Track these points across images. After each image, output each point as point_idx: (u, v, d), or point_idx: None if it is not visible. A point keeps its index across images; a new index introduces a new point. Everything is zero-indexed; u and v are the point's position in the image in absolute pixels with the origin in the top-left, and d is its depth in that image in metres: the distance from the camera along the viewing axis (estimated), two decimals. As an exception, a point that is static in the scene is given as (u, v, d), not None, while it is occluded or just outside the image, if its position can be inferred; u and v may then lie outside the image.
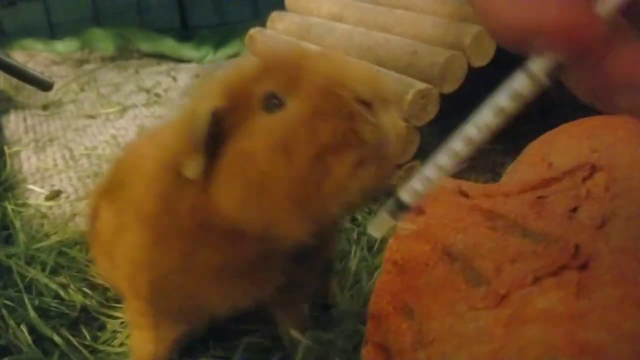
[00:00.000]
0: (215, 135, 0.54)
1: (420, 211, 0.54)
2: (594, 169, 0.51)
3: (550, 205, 0.50)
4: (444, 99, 1.00)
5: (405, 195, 0.41)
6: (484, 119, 0.34)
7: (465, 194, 0.57)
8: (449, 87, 0.99)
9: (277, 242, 0.56)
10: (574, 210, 0.47)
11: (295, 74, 0.53)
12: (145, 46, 2.24)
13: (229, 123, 0.54)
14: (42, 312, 0.81)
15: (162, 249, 0.62)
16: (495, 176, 1.14)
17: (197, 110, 0.55)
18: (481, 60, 1.01)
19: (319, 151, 0.50)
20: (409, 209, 0.41)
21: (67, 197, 1.21)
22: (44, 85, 0.76)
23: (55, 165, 1.38)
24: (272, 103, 0.53)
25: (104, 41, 2.18)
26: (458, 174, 1.13)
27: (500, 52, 0.98)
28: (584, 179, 0.50)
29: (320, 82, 0.52)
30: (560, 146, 0.62)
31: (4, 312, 0.79)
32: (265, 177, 0.51)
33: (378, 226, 0.43)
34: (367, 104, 0.51)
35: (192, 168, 0.54)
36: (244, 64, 0.59)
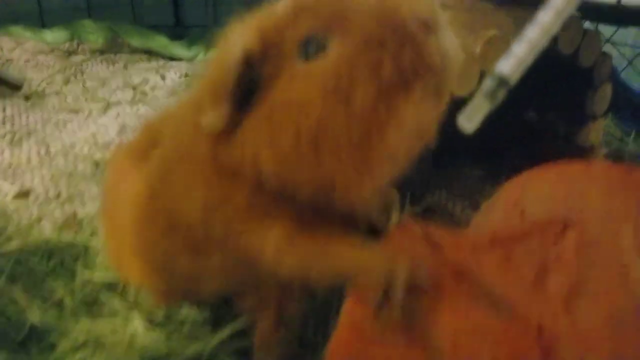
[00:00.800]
0: (247, 84, 0.48)
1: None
2: (565, 226, 0.49)
3: (518, 267, 0.48)
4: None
5: (505, 67, 0.39)
6: None
7: (434, 244, 0.55)
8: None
9: (325, 204, 0.50)
10: (543, 274, 0.45)
11: (336, 10, 0.47)
12: (136, 41, 2.20)
13: (262, 72, 0.49)
14: (-9, 326, 0.77)
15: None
16: (474, 203, 1.12)
17: (227, 52, 0.49)
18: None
19: (379, 88, 0.44)
20: (509, 84, 0.39)
21: (36, 198, 1.17)
22: (15, 86, 0.72)
23: (29, 161, 1.34)
24: (312, 47, 0.47)
25: (94, 33, 2.14)
26: (434, 203, 1.11)
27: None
28: (555, 237, 0.48)
29: (367, 9, 0.46)
30: (535, 192, 0.61)
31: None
32: (320, 126, 0.45)
33: (472, 114, 0.40)
34: (426, 26, 0.45)
35: (215, 118, 0.49)
36: (275, 7, 0.52)
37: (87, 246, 0.99)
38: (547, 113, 1.29)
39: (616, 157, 1.43)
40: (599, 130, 1.19)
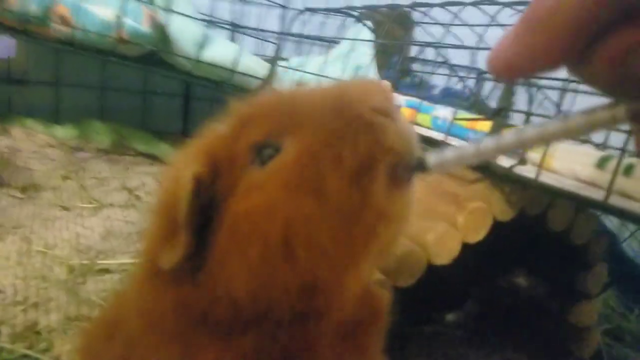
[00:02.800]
0: (199, 210, 0.46)
1: None
2: None
3: None
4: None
5: (431, 159, 0.43)
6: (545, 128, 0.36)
7: None
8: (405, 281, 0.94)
9: (313, 315, 0.48)
10: None
11: (286, 112, 0.47)
12: (141, 146, 2.29)
13: (216, 191, 0.47)
14: None
15: None
16: None
17: (174, 181, 0.48)
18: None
19: (348, 177, 0.44)
20: (425, 172, 0.44)
21: (3, 299, 1.16)
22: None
23: (7, 258, 1.35)
24: (265, 154, 0.46)
25: (102, 134, 2.23)
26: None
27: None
28: None
29: (322, 106, 0.46)
30: None
31: None
32: (290, 226, 0.43)
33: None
34: (384, 113, 0.46)
35: (172, 252, 0.46)
36: (217, 125, 0.52)
37: (38, 360, 0.97)
38: (537, 285, 1.28)
39: (616, 336, 1.35)
40: (594, 310, 1.14)
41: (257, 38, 2.36)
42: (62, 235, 1.52)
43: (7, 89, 2.20)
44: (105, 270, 1.34)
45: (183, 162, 0.49)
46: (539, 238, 1.18)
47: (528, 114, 0.94)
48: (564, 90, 0.89)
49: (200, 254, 0.47)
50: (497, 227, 0.90)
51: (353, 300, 0.52)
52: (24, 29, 1.64)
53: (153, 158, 2.31)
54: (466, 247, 0.89)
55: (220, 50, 1.82)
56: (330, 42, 2.22)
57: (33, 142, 2.15)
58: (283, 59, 1.80)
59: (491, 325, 1.27)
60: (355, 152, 0.44)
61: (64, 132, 2.19)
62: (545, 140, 0.36)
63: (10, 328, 1.06)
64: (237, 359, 0.48)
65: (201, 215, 0.47)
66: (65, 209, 1.72)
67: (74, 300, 1.18)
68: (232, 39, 2.39)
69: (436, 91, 1.89)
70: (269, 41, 2.28)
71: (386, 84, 0.50)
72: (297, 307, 0.47)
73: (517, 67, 0.33)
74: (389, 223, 0.47)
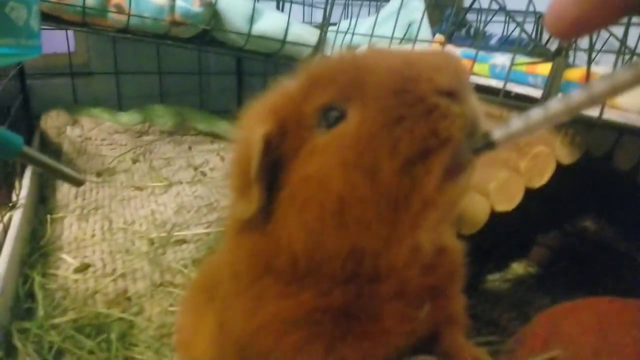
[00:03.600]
0: (270, 166, 0.49)
1: None
2: None
3: None
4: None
5: (497, 134, 0.42)
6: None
7: None
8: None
9: (365, 277, 0.50)
10: None
11: (353, 78, 0.46)
12: (201, 125, 2.37)
13: (284, 150, 0.49)
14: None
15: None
16: (521, 315, 1.08)
17: (245, 140, 0.50)
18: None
19: (401, 163, 0.43)
20: (492, 148, 0.42)
21: (95, 272, 1.26)
22: (76, 182, 0.81)
23: (93, 235, 1.45)
24: (331, 117, 0.46)
25: (164, 117, 2.32)
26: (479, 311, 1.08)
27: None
28: None
29: (386, 79, 0.44)
30: (566, 333, 0.60)
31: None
32: (343, 200, 0.45)
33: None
34: (449, 94, 0.44)
35: (247, 205, 0.49)
36: (288, 83, 0.52)
37: (133, 323, 1.06)
38: (605, 227, 1.24)
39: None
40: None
41: (305, 5, 2.37)
42: (139, 213, 1.62)
43: (71, 82, 2.32)
44: (182, 241, 1.42)
45: (254, 120, 0.51)
46: (605, 179, 1.15)
47: (590, 52, 0.90)
48: (628, 25, 0.86)
49: (270, 207, 0.50)
50: (562, 171, 0.89)
51: (417, 264, 0.52)
52: (83, 21, 1.72)
53: (213, 136, 2.39)
54: (530, 193, 0.88)
55: (270, 22, 1.85)
56: (379, 0, 2.20)
57: (101, 130, 2.27)
58: (332, 24, 1.80)
59: (559, 271, 1.26)
60: (412, 139, 0.43)
61: (129, 118, 2.29)
62: (617, 91, 0.34)
63: (104, 296, 1.15)
64: (295, 310, 0.51)
65: (271, 172, 0.49)
66: (139, 189, 1.82)
67: (157, 269, 1.26)
68: (280, 9, 2.41)
69: (493, 41, 1.83)
70: (317, 6, 2.29)
71: (458, 58, 0.47)
72: (347, 268, 0.49)
73: (583, 25, 0.32)
74: (437, 211, 0.47)
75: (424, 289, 0.54)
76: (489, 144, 0.43)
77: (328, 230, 0.46)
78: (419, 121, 0.43)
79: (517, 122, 0.41)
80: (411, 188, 0.44)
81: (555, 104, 0.38)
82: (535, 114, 0.39)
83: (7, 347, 0.94)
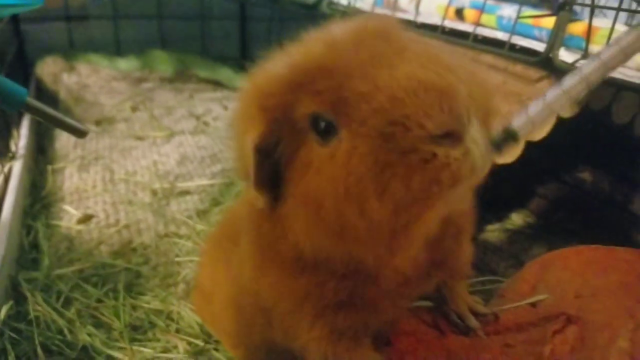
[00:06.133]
0: (270, 168, 0.49)
1: (388, 343, 0.52)
2: (568, 321, 0.49)
3: (512, 359, 0.49)
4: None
5: (515, 123, 0.42)
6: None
7: (439, 328, 0.56)
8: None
9: (362, 276, 0.51)
10: None
11: (339, 93, 0.43)
12: (203, 72, 2.31)
13: (282, 151, 0.49)
14: (45, 347, 0.83)
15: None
16: (518, 263, 1.10)
17: (241, 146, 0.50)
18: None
19: (392, 207, 0.43)
20: (517, 138, 0.41)
21: (98, 223, 1.25)
22: (79, 133, 0.78)
23: (94, 186, 1.43)
24: (323, 128, 0.45)
25: (164, 63, 2.27)
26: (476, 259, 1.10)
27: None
28: (555, 332, 0.48)
29: (372, 113, 0.42)
30: (553, 278, 0.62)
31: (8, 346, 0.81)
32: (337, 222, 0.45)
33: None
34: (447, 135, 0.41)
35: (257, 199, 0.50)
36: (272, 70, 0.49)
37: (139, 273, 1.05)
38: (601, 178, 1.26)
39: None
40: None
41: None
42: (141, 163, 1.60)
43: (67, 26, 2.25)
44: (186, 192, 1.40)
45: (246, 118, 0.50)
46: (603, 133, 1.15)
47: (593, 7, 0.89)
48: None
49: (277, 199, 0.50)
50: (561, 124, 0.88)
51: (416, 262, 0.53)
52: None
53: (216, 84, 2.34)
54: (530, 146, 0.88)
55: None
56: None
57: (99, 77, 2.22)
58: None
59: (556, 222, 1.27)
60: (407, 188, 0.42)
61: (127, 64, 2.24)
62: (628, 55, 0.35)
63: (109, 247, 1.14)
64: (294, 293, 0.54)
65: (273, 170, 0.49)
66: (140, 138, 1.79)
67: (161, 220, 1.25)
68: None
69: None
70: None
71: (457, 87, 0.42)
72: (347, 268, 0.50)
73: None
74: (443, 215, 0.47)
75: (429, 263, 0.55)
76: (511, 136, 0.42)
77: (328, 241, 0.47)
78: (414, 171, 0.41)
79: (535, 106, 0.40)
80: (405, 225, 0.44)
81: (570, 80, 0.38)
82: (552, 93, 0.39)
83: (16, 296, 0.94)
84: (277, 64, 0.49)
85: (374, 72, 0.43)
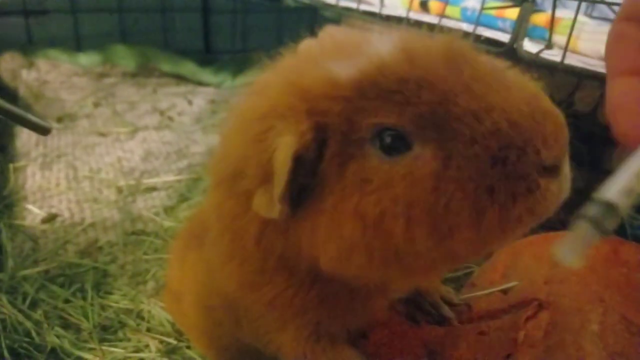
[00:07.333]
0: (299, 182, 0.42)
1: (364, 335, 0.54)
2: (540, 307, 0.51)
3: (488, 346, 0.51)
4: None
5: (612, 194, 0.33)
6: None
7: (414, 319, 0.58)
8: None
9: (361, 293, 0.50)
10: (513, 351, 0.47)
11: (433, 107, 0.39)
12: (166, 66, 2.28)
13: (321, 160, 0.42)
14: (12, 351, 0.82)
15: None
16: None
17: (275, 146, 0.42)
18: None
19: (480, 235, 0.39)
20: (618, 211, 0.32)
21: (63, 222, 1.22)
22: (42, 130, 0.77)
23: (58, 185, 1.40)
24: (389, 142, 0.40)
25: (126, 57, 2.23)
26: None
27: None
28: (527, 318, 0.50)
29: (482, 133, 0.38)
30: (522, 266, 0.63)
31: (-27, 349, 0.80)
32: (394, 248, 0.40)
33: (573, 248, 0.33)
34: (552, 169, 0.39)
35: (269, 209, 0.42)
36: (329, 71, 0.42)
37: (106, 272, 1.04)
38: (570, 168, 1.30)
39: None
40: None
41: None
42: (105, 160, 1.57)
43: (25, 21, 2.19)
44: (152, 188, 1.39)
45: (282, 115, 0.42)
46: (567, 121, 1.20)
47: None
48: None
49: (294, 207, 0.44)
50: None
51: None
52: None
53: (179, 78, 2.31)
54: None
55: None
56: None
57: (59, 73, 2.17)
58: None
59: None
60: (504, 217, 0.38)
61: (88, 59, 2.19)
62: None
63: (75, 246, 1.12)
64: (295, 295, 0.50)
65: (302, 184, 0.43)
66: (103, 135, 1.76)
67: (127, 217, 1.24)
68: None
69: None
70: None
71: (564, 119, 0.40)
72: (357, 282, 0.48)
73: None
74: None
75: None
76: (610, 208, 0.34)
77: (362, 262, 0.43)
78: (516, 199, 0.38)
79: (625, 173, 0.35)
80: (476, 253, 0.42)
81: None
82: (634, 160, 0.35)
83: (-21, 299, 0.92)
84: (334, 66, 0.43)
85: (483, 91, 0.39)
